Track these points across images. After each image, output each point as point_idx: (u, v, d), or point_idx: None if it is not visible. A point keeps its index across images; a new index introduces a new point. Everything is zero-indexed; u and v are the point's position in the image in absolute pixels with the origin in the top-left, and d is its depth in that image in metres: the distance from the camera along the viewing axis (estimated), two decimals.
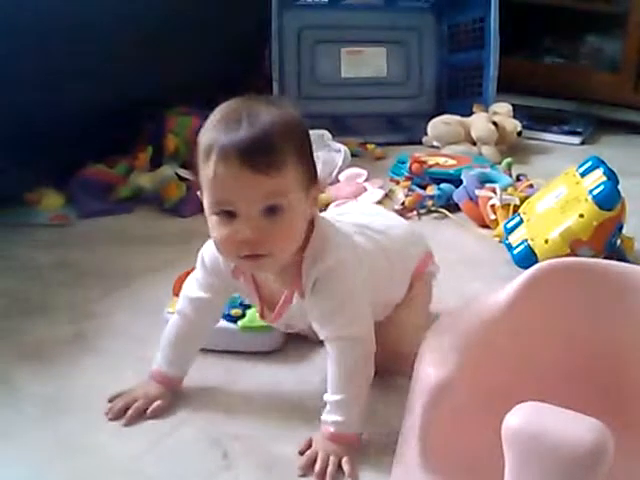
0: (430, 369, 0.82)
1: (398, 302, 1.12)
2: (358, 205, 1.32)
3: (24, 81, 1.55)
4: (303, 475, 0.91)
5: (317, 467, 0.91)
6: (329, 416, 0.94)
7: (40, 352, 1.16)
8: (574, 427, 0.70)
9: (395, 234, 1.12)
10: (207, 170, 0.87)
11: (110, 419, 1.01)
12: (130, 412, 1.01)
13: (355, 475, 0.91)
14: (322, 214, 1.04)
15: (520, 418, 0.71)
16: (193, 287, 1.04)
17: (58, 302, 1.31)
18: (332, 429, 0.94)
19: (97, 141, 1.70)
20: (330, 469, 0.91)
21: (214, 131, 0.87)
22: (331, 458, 0.92)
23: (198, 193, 0.94)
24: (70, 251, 1.50)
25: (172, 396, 1.05)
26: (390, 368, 1.06)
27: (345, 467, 0.91)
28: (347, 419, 0.93)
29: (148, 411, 1.02)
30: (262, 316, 1.05)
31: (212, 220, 0.90)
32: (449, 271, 1.41)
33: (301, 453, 0.94)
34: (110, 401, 1.04)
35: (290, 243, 0.92)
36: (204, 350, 1.11)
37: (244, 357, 1.14)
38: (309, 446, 0.94)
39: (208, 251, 1.02)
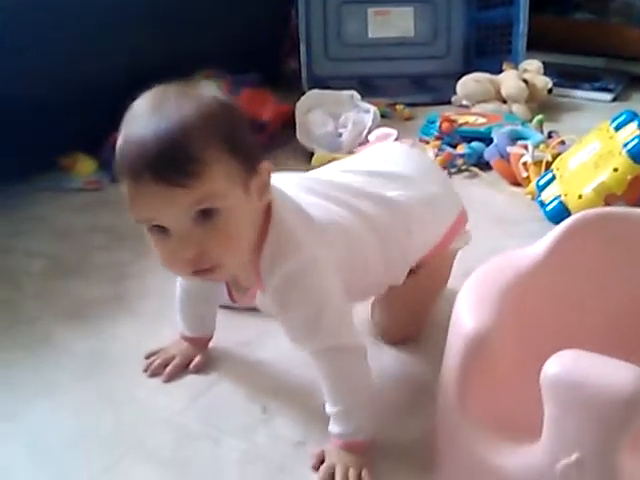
0: (467, 321, 0.82)
1: (399, 282, 1.02)
2: (372, 157, 1.09)
3: (56, 46, 1.56)
4: None
5: None
6: (334, 427, 0.88)
7: (80, 312, 1.19)
8: (613, 374, 0.70)
9: (409, 204, 0.98)
10: (124, 190, 0.78)
11: (149, 376, 1.03)
12: (170, 368, 1.03)
13: None
14: (282, 187, 0.90)
15: (559, 366, 0.71)
16: None
17: (95, 264, 1.33)
18: (341, 440, 0.87)
19: (127, 107, 1.70)
20: None
21: (124, 144, 0.77)
22: (351, 471, 0.85)
23: None
24: (104, 215, 1.52)
25: (207, 352, 1.07)
26: (400, 336, 1.07)
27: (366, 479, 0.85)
28: (353, 428, 0.87)
29: (191, 366, 1.04)
30: (231, 298, 0.97)
31: (149, 238, 0.81)
32: (482, 230, 1.41)
33: (315, 467, 0.87)
34: (147, 358, 1.06)
35: (236, 248, 0.81)
36: (235, 310, 1.12)
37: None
38: (322, 460, 0.88)
39: None
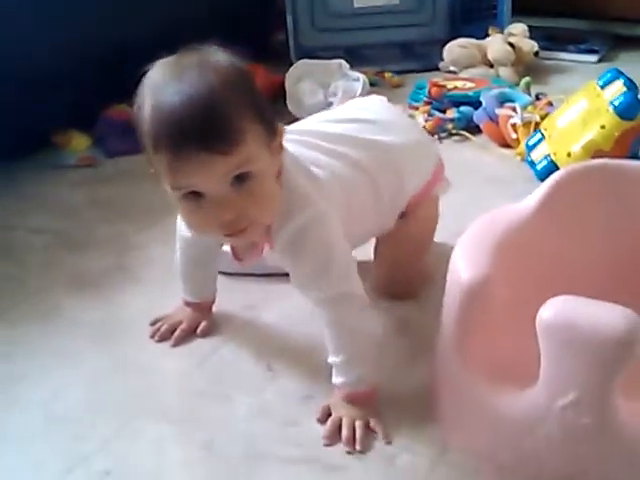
0: (464, 272, 0.85)
1: (386, 227, 1.06)
2: (357, 107, 1.12)
3: (43, 21, 1.57)
4: (329, 444, 0.87)
5: (345, 434, 0.87)
6: (338, 378, 0.90)
7: (86, 283, 1.22)
8: (605, 316, 0.73)
9: (395, 145, 1.02)
10: (159, 161, 0.79)
11: (157, 341, 1.07)
12: (177, 333, 1.06)
13: (388, 434, 0.88)
14: (291, 136, 0.93)
15: (553, 311, 0.75)
16: (182, 226, 1.00)
17: (96, 237, 1.36)
18: (345, 390, 0.90)
19: (118, 82, 1.72)
20: (359, 433, 0.87)
21: (154, 114, 0.78)
22: (357, 422, 0.88)
23: (152, 171, 0.84)
24: (101, 189, 1.55)
25: (212, 316, 1.10)
26: (398, 290, 1.10)
27: (377, 429, 0.88)
28: (356, 377, 0.89)
29: (198, 331, 1.07)
30: (236, 258, 0.99)
31: (178, 202, 0.83)
32: (474, 191, 1.45)
33: (320, 421, 0.90)
34: (152, 324, 1.09)
35: (270, 207, 0.85)
36: (236, 275, 1.16)
37: (275, 280, 1.16)
38: (328, 413, 0.90)
39: None
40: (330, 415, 0.90)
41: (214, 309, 1.12)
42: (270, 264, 1.00)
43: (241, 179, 0.80)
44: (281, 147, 0.87)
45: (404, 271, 1.10)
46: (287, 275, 0.94)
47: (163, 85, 0.78)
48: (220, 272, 1.12)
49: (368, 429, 0.89)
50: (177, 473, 0.86)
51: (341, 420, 0.89)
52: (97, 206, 1.47)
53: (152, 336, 1.07)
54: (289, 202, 0.87)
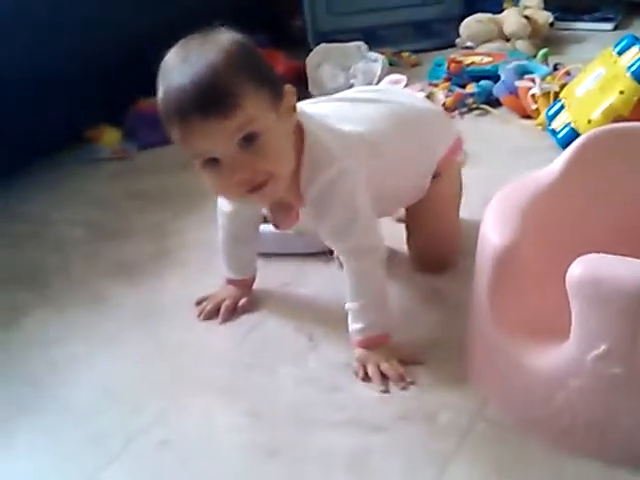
0: (494, 237, 0.89)
1: (420, 192, 1.12)
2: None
3: (71, 18, 1.62)
4: (386, 390, 0.94)
5: (391, 376, 0.95)
6: (353, 325, 0.98)
7: (128, 269, 1.27)
8: (630, 271, 0.76)
9: (420, 118, 1.12)
10: (174, 133, 0.88)
11: (204, 319, 1.12)
12: (223, 310, 1.11)
13: (403, 371, 0.95)
14: (310, 111, 1.00)
15: (581, 268, 0.78)
16: (224, 202, 1.09)
17: (134, 226, 1.41)
18: (359, 337, 0.98)
19: (146, 75, 1.76)
20: (401, 370, 0.95)
21: (165, 95, 0.87)
22: (381, 366, 0.96)
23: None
24: (135, 181, 1.60)
25: (253, 294, 1.15)
26: (432, 262, 1.15)
27: (408, 360, 0.97)
28: (370, 323, 0.97)
29: (239, 305, 1.12)
30: (275, 224, 1.07)
31: (202, 172, 0.92)
32: (498, 163, 1.49)
33: (361, 378, 0.97)
34: (197, 304, 1.14)
35: (283, 160, 0.92)
36: (272, 255, 1.21)
37: (308, 258, 1.22)
38: (364, 370, 0.97)
39: None
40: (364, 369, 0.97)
41: (257, 283, 1.16)
42: (303, 230, 1.07)
43: (249, 140, 0.88)
44: (292, 107, 0.94)
45: (437, 240, 1.14)
46: (319, 254, 1.00)
47: (171, 68, 0.88)
48: (258, 253, 1.17)
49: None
50: (227, 440, 0.90)
51: (379, 366, 0.96)
52: (133, 196, 1.52)
53: (199, 315, 1.12)
54: (314, 159, 0.95)
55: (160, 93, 0.89)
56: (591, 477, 0.81)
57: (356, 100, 1.10)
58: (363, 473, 0.84)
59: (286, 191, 0.96)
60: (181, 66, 0.87)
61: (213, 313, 1.12)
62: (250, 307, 1.13)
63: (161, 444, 0.90)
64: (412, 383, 0.95)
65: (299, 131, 0.96)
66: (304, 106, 1.00)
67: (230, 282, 1.15)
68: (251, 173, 0.89)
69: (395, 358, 0.97)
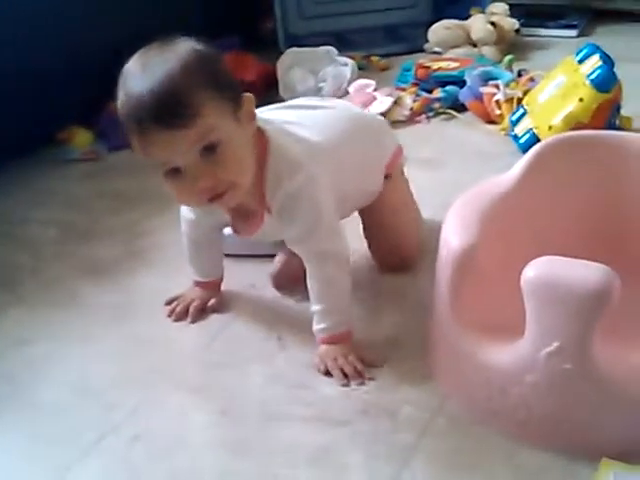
0: (454, 240, 0.93)
1: (376, 191, 1.16)
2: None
3: (44, 20, 1.63)
4: (346, 384, 0.98)
5: (348, 370, 0.98)
6: (317, 326, 1.02)
7: (100, 270, 1.29)
8: (582, 272, 0.81)
9: (368, 122, 1.17)
10: (133, 142, 0.91)
11: (174, 320, 1.14)
12: (192, 310, 1.14)
13: (362, 367, 0.99)
14: (269, 117, 1.03)
15: (536, 270, 0.82)
16: (186, 209, 1.11)
17: (105, 227, 1.43)
18: (323, 335, 1.01)
19: (117, 77, 1.78)
20: (360, 366, 0.99)
21: (124, 103, 0.89)
22: (350, 358, 0.99)
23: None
24: (106, 182, 1.62)
25: (221, 294, 1.18)
26: (393, 260, 1.18)
27: (367, 358, 1.00)
28: (332, 323, 1.01)
29: (208, 305, 1.15)
30: (236, 231, 1.08)
31: (164, 180, 0.93)
32: (462, 166, 1.53)
33: (323, 372, 1.00)
34: (167, 304, 1.16)
35: (243, 169, 0.94)
36: (237, 257, 1.24)
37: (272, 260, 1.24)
38: (324, 366, 1.00)
39: None
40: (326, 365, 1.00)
41: (222, 288, 1.19)
42: (262, 238, 1.09)
43: (209, 149, 0.89)
44: (252, 114, 0.96)
45: (395, 237, 1.18)
46: None
47: (130, 77, 0.89)
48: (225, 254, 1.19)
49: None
50: (199, 436, 0.93)
51: (337, 361, 0.99)
52: (104, 197, 1.55)
53: (169, 316, 1.15)
54: (279, 167, 0.97)
55: (119, 102, 0.90)
56: (548, 469, 0.85)
57: (309, 107, 1.13)
58: (327, 466, 0.87)
59: (248, 198, 0.99)
60: (139, 75, 0.88)
61: (183, 314, 1.14)
62: (219, 307, 1.16)
63: (133, 440, 0.93)
64: (371, 379, 0.98)
65: (259, 137, 0.98)
66: (259, 113, 1.01)
67: (198, 284, 1.17)
68: (213, 182, 0.91)
69: (355, 354, 1.00)
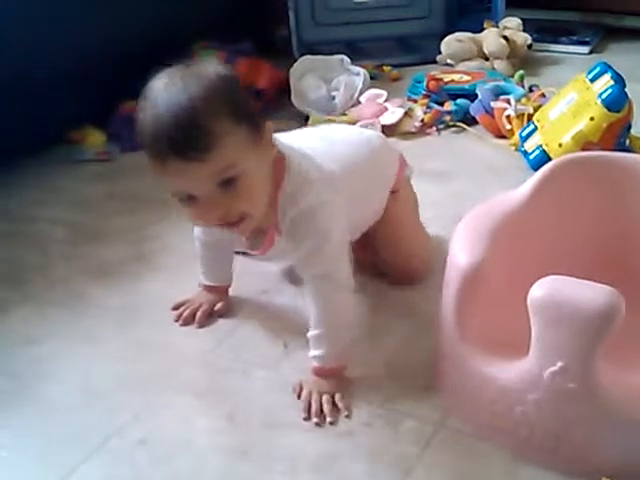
0: (461, 257, 0.94)
1: (382, 209, 1.16)
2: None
3: (59, 20, 1.65)
4: (308, 418, 0.96)
5: (313, 408, 0.96)
6: (312, 352, 1.00)
7: (107, 271, 1.30)
8: (588, 293, 0.81)
9: (374, 147, 1.16)
10: (150, 167, 0.89)
11: (182, 325, 1.15)
12: (199, 315, 1.15)
13: (350, 409, 0.96)
14: (289, 143, 1.02)
15: (542, 290, 0.83)
16: (198, 228, 1.12)
17: (115, 228, 1.44)
18: (315, 363, 0.99)
19: (131, 79, 1.80)
20: (327, 408, 0.96)
21: (144, 124, 0.87)
22: (324, 397, 0.97)
23: None
24: (118, 183, 1.63)
25: (229, 299, 1.19)
26: (401, 274, 1.19)
27: (339, 404, 0.97)
28: (328, 352, 0.98)
29: (215, 309, 1.16)
30: (249, 248, 1.08)
31: (178, 202, 0.92)
32: (471, 180, 1.54)
33: (297, 395, 0.99)
34: (174, 309, 1.17)
35: (259, 200, 0.93)
36: (252, 261, 1.22)
37: (287, 268, 1.24)
38: (300, 388, 0.99)
39: None
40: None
41: (230, 294, 1.20)
42: (274, 259, 1.11)
43: (228, 182, 0.88)
44: (270, 143, 0.95)
45: (403, 251, 1.18)
46: None
47: (154, 97, 0.88)
48: (236, 252, 1.20)
49: (334, 403, 0.97)
50: (203, 440, 0.94)
51: (311, 395, 0.98)
52: (114, 198, 1.56)
53: (176, 320, 1.16)
54: (294, 190, 0.97)
55: (140, 122, 0.89)
56: None
57: (322, 138, 1.12)
58: (329, 475, 0.88)
59: (262, 218, 0.97)
60: (162, 96, 0.87)
61: (190, 318, 1.15)
62: (226, 311, 1.17)
63: (139, 443, 0.94)
64: (347, 417, 0.96)
65: (278, 161, 0.97)
66: (280, 138, 1.00)
67: (206, 288, 1.18)
68: (227, 212, 0.91)
69: (332, 394, 0.98)
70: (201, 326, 1.14)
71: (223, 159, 0.87)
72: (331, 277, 0.99)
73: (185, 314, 1.16)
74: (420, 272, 1.20)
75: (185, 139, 0.85)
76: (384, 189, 1.17)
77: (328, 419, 0.95)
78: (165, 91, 0.87)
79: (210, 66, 0.91)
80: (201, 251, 1.16)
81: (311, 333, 1.00)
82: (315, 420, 0.95)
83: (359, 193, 1.08)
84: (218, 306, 1.16)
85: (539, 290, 0.83)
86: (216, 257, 1.17)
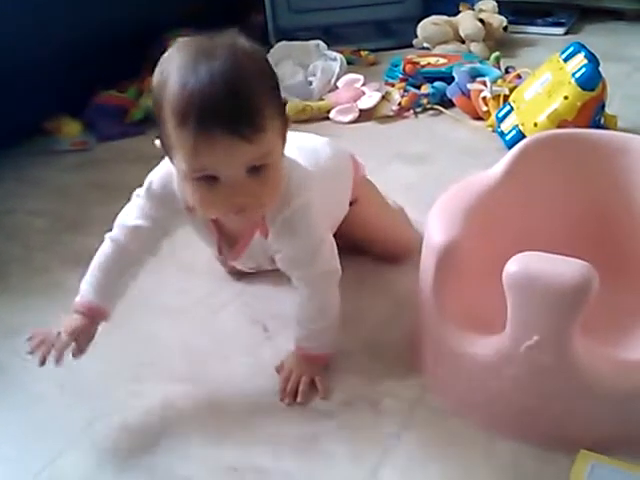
0: (437, 236, 0.94)
1: (345, 212, 1.17)
2: None
3: (33, 10, 1.64)
4: (281, 398, 0.96)
5: (289, 386, 0.96)
6: (304, 342, 0.99)
7: (87, 261, 1.26)
8: (563, 268, 0.82)
9: (327, 152, 1.13)
10: (183, 137, 0.79)
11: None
12: (55, 354, 0.91)
13: (328, 392, 0.97)
14: None
15: (517, 265, 0.84)
16: (132, 214, 0.98)
17: (94, 218, 1.43)
18: (306, 351, 0.99)
19: (106, 67, 1.79)
20: (302, 388, 0.96)
21: (185, 93, 0.77)
22: (303, 378, 0.97)
23: (157, 142, 0.87)
24: (95, 172, 1.63)
25: (94, 330, 0.96)
26: (380, 251, 1.20)
27: (319, 385, 0.97)
28: (321, 344, 1.00)
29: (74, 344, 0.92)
30: (220, 253, 1.05)
31: (190, 183, 0.83)
32: (449, 162, 1.55)
33: (277, 371, 1.00)
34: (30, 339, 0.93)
35: (278, 191, 0.89)
36: None
37: None
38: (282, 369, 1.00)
39: (160, 180, 0.95)
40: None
41: (215, 277, 1.20)
42: (243, 265, 1.11)
43: (257, 170, 0.83)
44: (285, 137, 0.89)
45: (380, 241, 1.20)
46: None
47: (192, 63, 0.78)
48: None
49: (312, 385, 0.97)
50: (187, 425, 0.95)
51: (290, 374, 0.98)
52: (92, 188, 1.55)
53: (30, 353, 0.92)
54: (286, 190, 0.91)
55: (172, 85, 0.78)
56: (525, 460, 0.86)
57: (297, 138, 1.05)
58: (311, 456, 0.89)
59: (243, 219, 0.95)
60: (205, 62, 0.77)
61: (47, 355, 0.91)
62: (77, 355, 0.93)
63: (121, 429, 0.94)
64: (323, 399, 0.96)
65: None
66: None
67: (78, 308, 0.96)
68: (250, 200, 0.85)
69: (312, 377, 0.98)
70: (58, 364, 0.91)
71: (267, 144, 0.81)
72: (327, 275, 0.98)
73: (37, 349, 0.91)
74: (409, 252, 1.19)
75: (242, 115, 0.77)
76: (346, 198, 1.17)
77: (298, 399, 0.95)
78: (204, 58, 0.77)
79: (244, 39, 0.83)
80: (108, 253, 0.99)
81: (307, 326, 1.00)
82: (286, 401, 0.96)
83: (329, 197, 1.06)
84: (79, 341, 0.92)
85: (513, 266, 0.84)
86: (125, 268, 0.99)
